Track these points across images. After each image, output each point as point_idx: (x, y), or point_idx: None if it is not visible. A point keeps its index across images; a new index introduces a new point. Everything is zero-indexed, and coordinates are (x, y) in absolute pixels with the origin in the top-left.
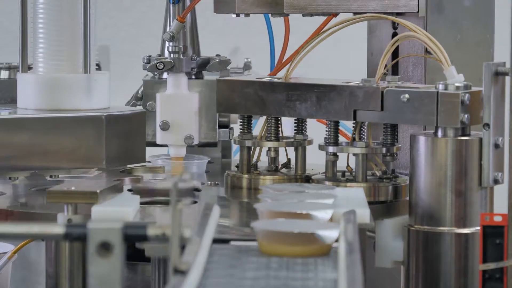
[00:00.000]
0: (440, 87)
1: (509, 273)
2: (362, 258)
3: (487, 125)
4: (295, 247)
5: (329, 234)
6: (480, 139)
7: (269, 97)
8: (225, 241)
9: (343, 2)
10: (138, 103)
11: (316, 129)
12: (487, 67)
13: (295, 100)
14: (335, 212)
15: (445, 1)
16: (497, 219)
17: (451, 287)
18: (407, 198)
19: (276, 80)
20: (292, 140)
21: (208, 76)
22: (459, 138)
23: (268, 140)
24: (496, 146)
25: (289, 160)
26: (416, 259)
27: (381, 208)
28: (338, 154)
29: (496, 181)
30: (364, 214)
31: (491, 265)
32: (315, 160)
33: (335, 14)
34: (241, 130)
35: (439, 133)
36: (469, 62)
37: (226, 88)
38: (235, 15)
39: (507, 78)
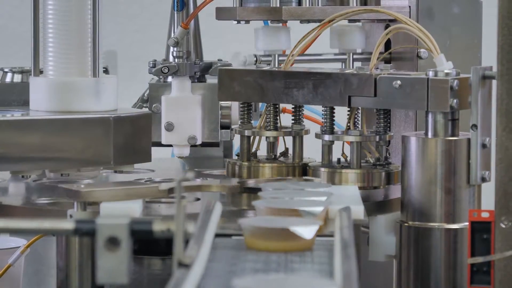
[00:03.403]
0: (430, 73)
1: (496, 266)
2: (357, 252)
3: (475, 126)
4: (275, 243)
5: (305, 231)
6: (468, 140)
7: (268, 85)
8: (227, 236)
9: (338, 9)
10: (144, 105)
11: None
12: (475, 71)
13: (292, 87)
14: (331, 208)
15: (435, 8)
16: (485, 215)
17: (441, 280)
18: (399, 184)
19: (274, 69)
20: (290, 129)
21: (211, 79)
22: (448, 138)
23: (267, 130)
24: (484, 146)
25: (287, 149)
26: (408, 253)
27: (375, 205)
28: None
29: (483, 179)
30: (358, 211)
31: (479, 259)
32: (312, 149)
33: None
34: (241, 121)
35: (430, 134)
36: (458, 66)
37: (227, 77)
38: (236, 21)
39: (494, 82)
